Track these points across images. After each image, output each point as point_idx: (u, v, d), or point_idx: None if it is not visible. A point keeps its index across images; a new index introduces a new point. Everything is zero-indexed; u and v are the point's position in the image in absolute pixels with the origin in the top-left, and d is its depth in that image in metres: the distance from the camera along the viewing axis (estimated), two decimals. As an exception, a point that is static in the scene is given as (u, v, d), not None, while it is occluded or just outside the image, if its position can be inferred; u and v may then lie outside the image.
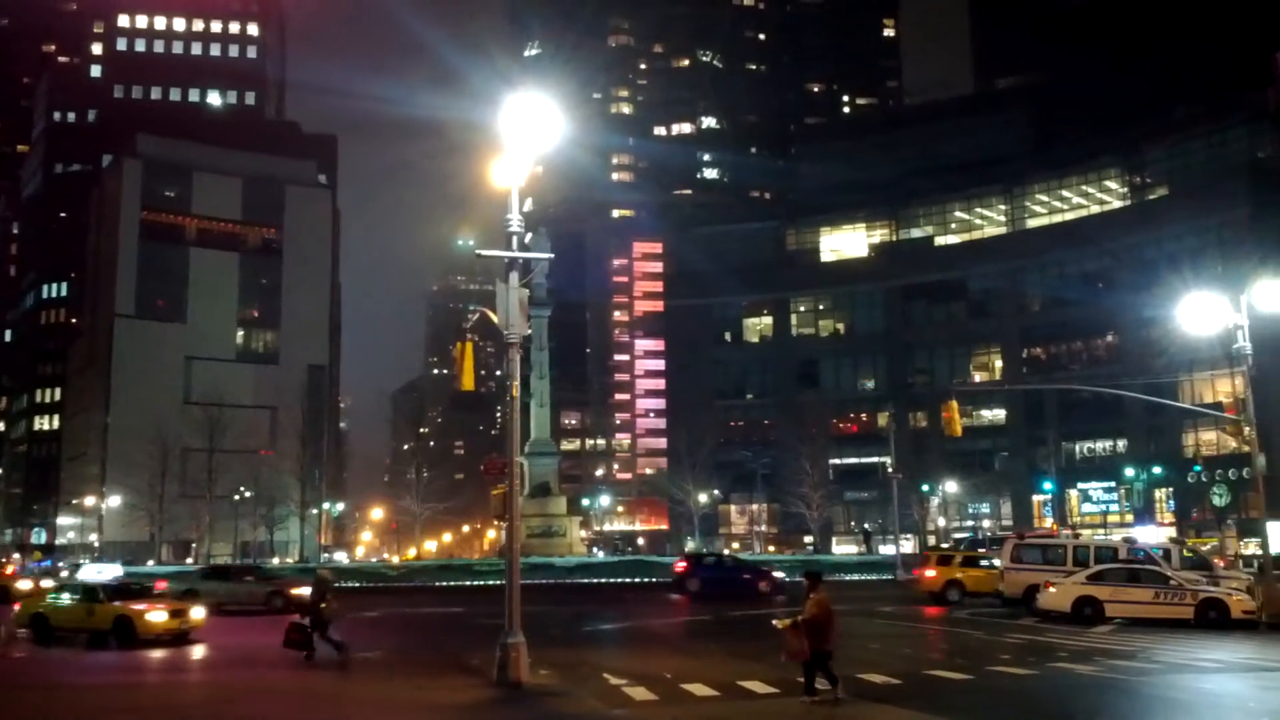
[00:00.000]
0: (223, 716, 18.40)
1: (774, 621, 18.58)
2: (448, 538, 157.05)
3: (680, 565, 49.08)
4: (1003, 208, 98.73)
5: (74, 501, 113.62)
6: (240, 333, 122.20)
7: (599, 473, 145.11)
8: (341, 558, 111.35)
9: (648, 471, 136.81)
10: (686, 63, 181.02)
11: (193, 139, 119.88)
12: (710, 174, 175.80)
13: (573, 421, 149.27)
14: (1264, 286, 32.53)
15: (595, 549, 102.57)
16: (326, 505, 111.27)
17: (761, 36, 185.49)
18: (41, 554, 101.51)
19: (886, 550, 78.03)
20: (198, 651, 26.69)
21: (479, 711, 18.14)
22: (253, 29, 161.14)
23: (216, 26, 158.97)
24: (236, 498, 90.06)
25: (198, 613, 28.50)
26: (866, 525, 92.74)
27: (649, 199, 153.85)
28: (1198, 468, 68.55)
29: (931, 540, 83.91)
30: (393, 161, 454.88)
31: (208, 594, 37.05)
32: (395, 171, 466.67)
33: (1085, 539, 43.36)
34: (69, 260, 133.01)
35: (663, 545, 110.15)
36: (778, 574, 46.62)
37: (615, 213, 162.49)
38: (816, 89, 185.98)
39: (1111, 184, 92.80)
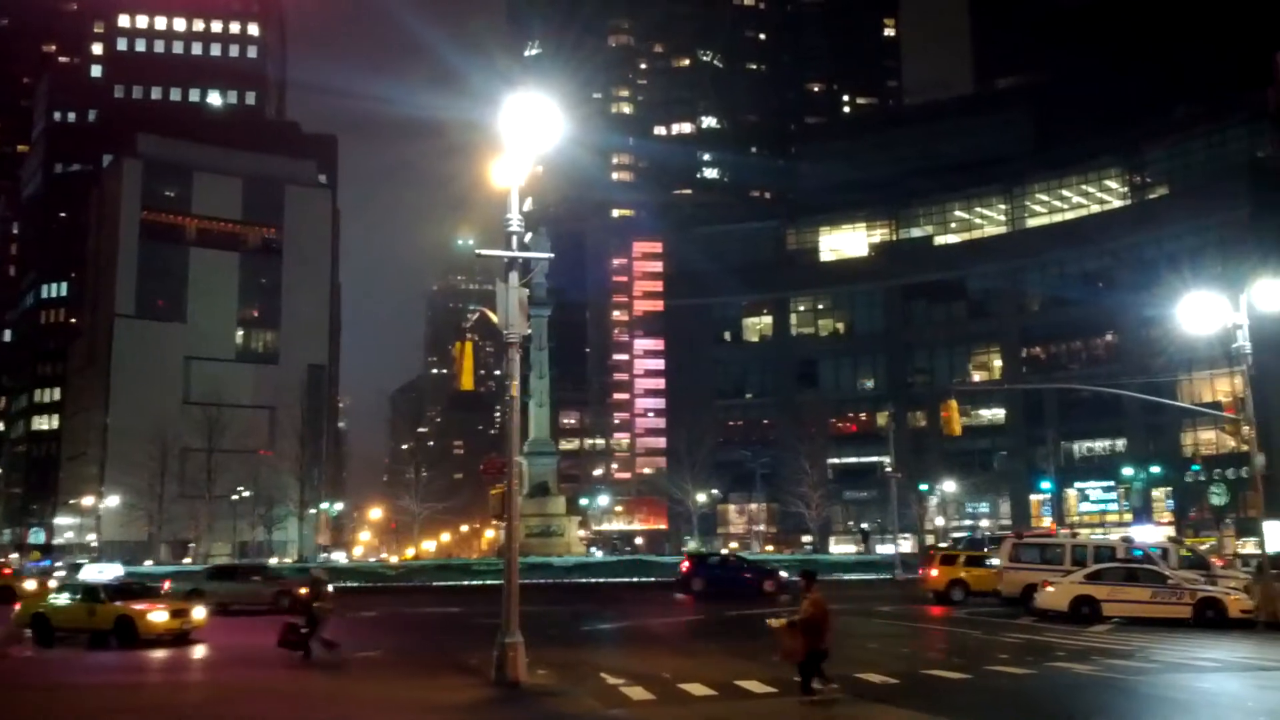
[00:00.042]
0: (221, 717, 18.41)
1: (769, 621, 18.59)
2: (446, 537, 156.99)
3: (685, 565, 49.17)
4: (1003, 207, 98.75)
5: (73, 501, 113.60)
6: (240, 333, 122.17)
7: (598, 472, 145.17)
8: (340, 557, 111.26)
9: (646, 471, 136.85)
10: (687, 62, 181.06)
11: (193, 139, 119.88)
12: (710, 174, 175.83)
13: (572, 421, 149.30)
14: (1263, 286, 32.52)
15: (594, 549, 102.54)
16: (325, 505, 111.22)
17: (762, 36, 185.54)
18: (40, 554, 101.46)
19: (885, 550, 78.07)
20: (199, 651, 26.69)
21: (477, 711, 18.14)
22: (253, 29, 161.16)
23: (217, 26, 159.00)
24: (235, 497, 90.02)
25: (199, 613, 28.48)
26: (865, 525, 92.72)
27: (649, 199, 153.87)
28: (1196, 467, 68.61)
29: (930, 540, 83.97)
30: (393, 161, 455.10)
31: (214, 594, 37.08)
32: (395, 171, 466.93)
33: (1083, 538, 43.27)
34: (69, 260, 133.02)
35: (661, 545, 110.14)
36: (783, 573, 46.60)
37: (615, 212, 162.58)
38: (817, 89, 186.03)
39: (1111, 184, 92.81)
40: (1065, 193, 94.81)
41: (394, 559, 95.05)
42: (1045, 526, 75.51)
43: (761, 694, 18.52)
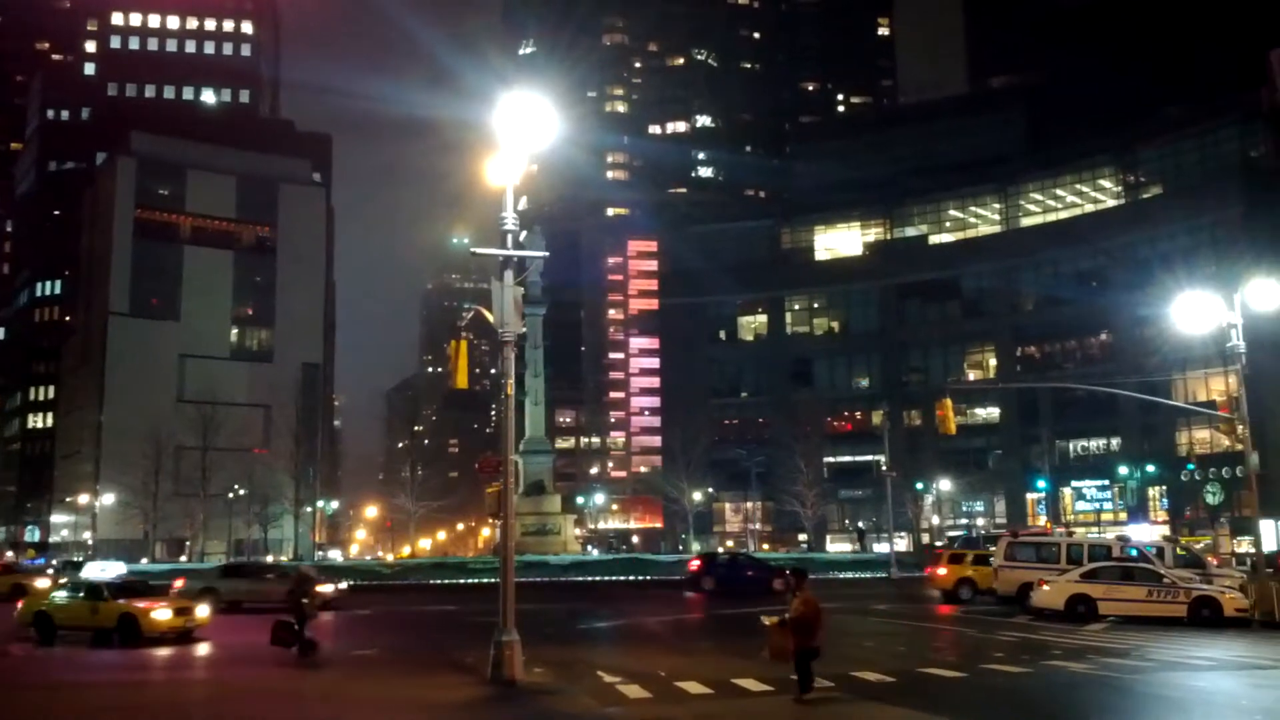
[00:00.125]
0: (219, 715, 18.42)
1: (762, 619, 18.63)
2: (442, 536, 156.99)
3: (694, 564, 49.45)
4: (997, 207, 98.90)
5: (68, 499, 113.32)
6: (234, 331, 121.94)
7: (593, 471, 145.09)
8: (336, 556, 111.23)
9: (642, 470, 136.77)
10: (681, 61, 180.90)
11: (187, 137, 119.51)
12: (705, 173, 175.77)
13: (567, 420, 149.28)
14: (1257, 285, 32.57)
15: (590, 547, 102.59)
16: (320, 503, 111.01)
17: (756, 35, 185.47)
18: (35, 552, 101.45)
19: (881, 549, 78.17)
20: (201, 650, 26.73)
21: (474, 709, 18.16)
22: (247, 27, 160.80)
23: (211, 24, 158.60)
24: (230, 496, 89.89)
25: (202, 611, 28.46)
26: (861, 523, 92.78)
27: (644, 197, 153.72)
28: (1191, 466, 68.69)
29: (926, 539, 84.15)
30: (387, 160, 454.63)
31: (227, 592, 37.13)
32: (390, 170, 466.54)
33: (1079, 537, 43.36)
34: (63, 258, 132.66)
35: (657, 543, 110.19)
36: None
37: (610, 211, 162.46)
38: (811, 88, 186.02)
39: (1105, 183, 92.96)
40: (1059, 192, 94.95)
41: (390, 557, 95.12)
42: (1041, 525, 75.58)
43: (758, 692, 18.54)
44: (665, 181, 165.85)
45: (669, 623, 33.62)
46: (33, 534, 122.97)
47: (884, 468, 68.29)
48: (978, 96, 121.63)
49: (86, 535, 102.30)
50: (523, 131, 19.64)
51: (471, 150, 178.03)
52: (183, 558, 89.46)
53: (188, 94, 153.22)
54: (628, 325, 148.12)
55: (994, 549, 44.95)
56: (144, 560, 78.05)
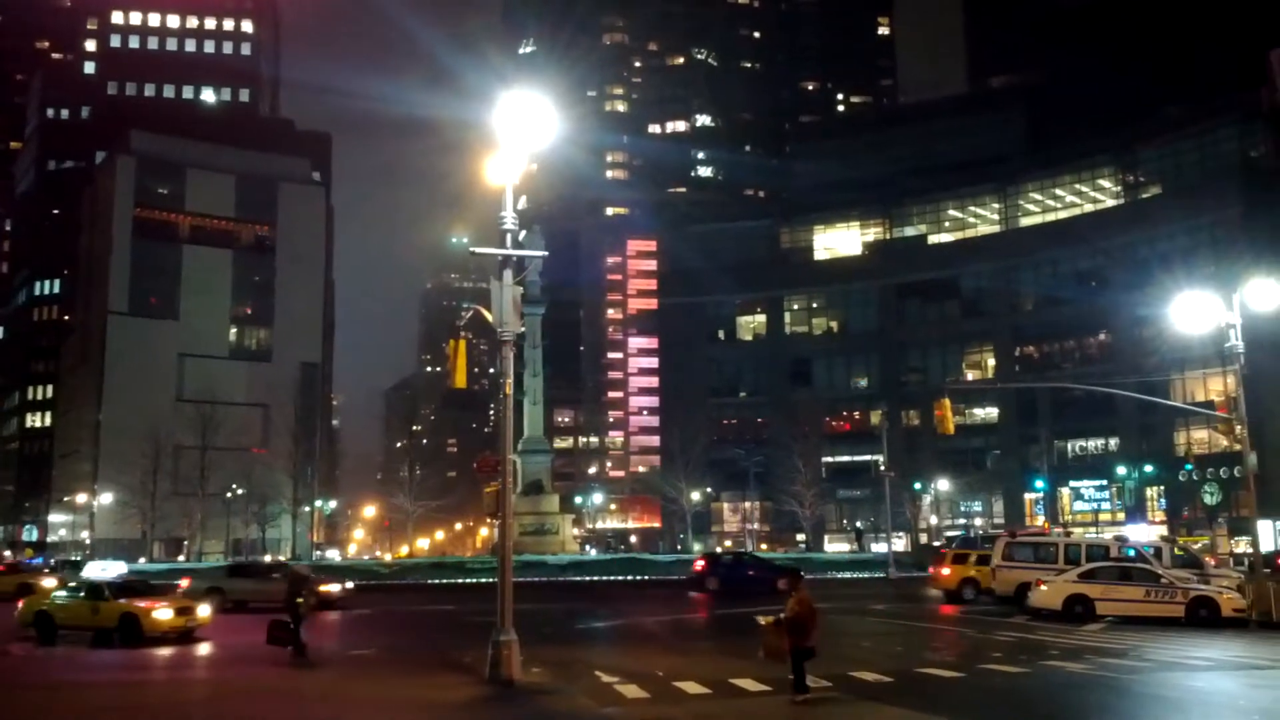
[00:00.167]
0: (219, 715, 18.42)
1: (758, 618, 18.64)
2: (440, 535, 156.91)
3: (699, 564, 49.51)
4: (996, 206, 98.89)
5: (66, 499, 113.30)
6: (233, 330, 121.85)
7: (592, 470, 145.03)
8: (334, 555, 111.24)
9: (640, 469, 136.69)
10: (681, 61, 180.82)
11: (186, 136, 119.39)
12: (704, 172, 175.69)
13: (566, 419, 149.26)
14: (1256, 285, 32.55)
15: (588, 547, 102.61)
16: (319, 503, 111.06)
17: (756, 35, 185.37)
18: (32, 551, 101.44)
19: (879, 548, 78.16)
20: (202, 649, 26.73)
21: (472, 709, 18.16)
22: (247, 26, 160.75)
23: (211, 23, 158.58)
24: (229, 495, 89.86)
25: (204, 610, 28.44)
26: (859, 523, 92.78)
27: (643, 197, 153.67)
28: (1189, 466, 68.67)
29: (924, 539, 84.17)
30: (387, 160, 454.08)
31: (234, 591, 37.15)
32: (389, 169, 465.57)
33: (1077, 537, 43.50)
34: (62, 257, 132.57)
35: (655, 543, 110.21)
36: None
37: (609, 211, 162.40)
38: (811, 87, 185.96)
39: (1105, 183, 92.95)
40: (1059, 192, 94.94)
41: (388, 557, 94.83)
42: (1039, 525, 75.63)
43: (755, 692, 18.55)
44: (665, 181, 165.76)
45: (667, 623, 33.60)
46: (30, 533, 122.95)
47: (882, 468, 68.30)
48: (977, 96, 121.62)
49: (84, 535, 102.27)
50: (522, 131, 19.65)
51: (471, 150, 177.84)
52: (180, 557, 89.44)
53: (187, 93, 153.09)
54: (626, 325, 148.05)
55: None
56: (142, 560, 78.06)
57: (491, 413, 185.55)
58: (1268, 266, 47.06)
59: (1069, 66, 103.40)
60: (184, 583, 38.66)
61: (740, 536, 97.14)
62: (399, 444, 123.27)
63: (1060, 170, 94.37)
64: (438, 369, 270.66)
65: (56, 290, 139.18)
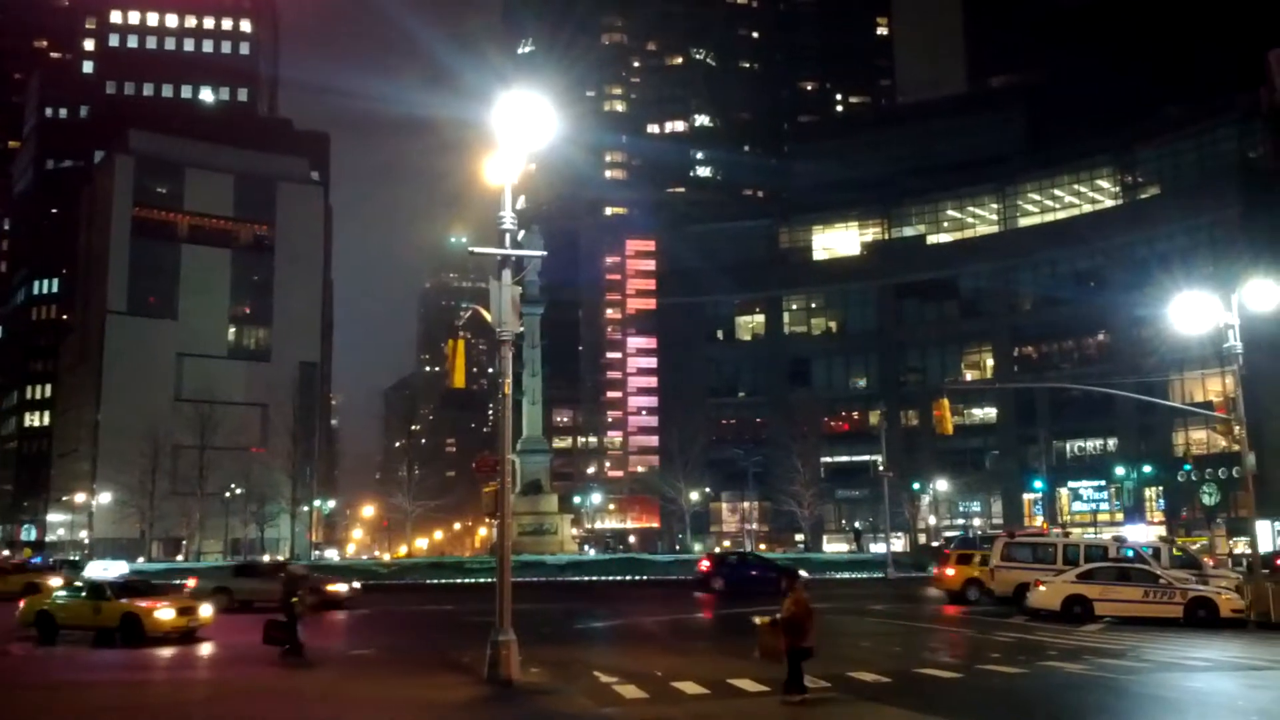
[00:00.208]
0: (219, 715, 18.41)
1: (754, 619, 18.65)
2: (439, 535, 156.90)
3: (704, 564, 49.49)
4: (995, 206, 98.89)
5: (64, 498, 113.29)
6: (232, 329, 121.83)
7: (590, 470, 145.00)
8: (332, 555, 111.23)
9: (639, 469, 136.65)
10: (680, 61, 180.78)
11: (185, 135, 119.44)
12: (703, 172, 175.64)
13: (565, 419, 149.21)
14: (1254, 286, 32.58)
15: (586, 547, 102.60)
16: (317, 502, 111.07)
17: (755, 34, 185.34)
18: (31, 551, 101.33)
19: (877, 549, 78.18)
20: (204, 649, 26.71)
21: (471, 709, 18.16)
22: (245, 25, 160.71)
23: (209, 23, 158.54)
24: (227, 495, 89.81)
25: (206, 610, 28.40)
26: (858, 523, 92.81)
27: (642, 197, 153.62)
28: (1188, 466, 68.72)
29: (923, 539, 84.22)
30: (386, 159, 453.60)
31: (240, 591, 37.15)
32: (388, 169, 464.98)
33: (1075, 537, 43.50)
34: (60, 256, 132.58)
35: (654, 543, 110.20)
36: (802, 572, 46.80)
37: (608, 210, 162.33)
38: (810, 87, 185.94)
39: (1103, 183, 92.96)
40: (1057, 192, 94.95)
41: (387, 557, 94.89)
42: (1037, 525, 75.69)
43: (754, 692, 18.55)
44: (663, 181, 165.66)
45: (666, 623, 33.58)
46: (29, 533, 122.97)
47: (881, 468, 68.29)
48: (977, 96, 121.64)
49: (83, 534, 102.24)
50: (521, 130, 19.66)
51: (470, 149, 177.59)
52: (179, 557, 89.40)
53: (186, 92, 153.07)
54: (625, 325, 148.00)
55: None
56: (140, 559, 78.02)
57: (490, 412, 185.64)
58: (1266, 267, 47.14)
59: (1068, 66, 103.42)
60: (190, 582, 38.84)
61: (739, 537, 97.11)
62: (398, 444, 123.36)
63: (1059, 170, 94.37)
64: (436, 369, 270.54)
65: (55, 289, 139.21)
